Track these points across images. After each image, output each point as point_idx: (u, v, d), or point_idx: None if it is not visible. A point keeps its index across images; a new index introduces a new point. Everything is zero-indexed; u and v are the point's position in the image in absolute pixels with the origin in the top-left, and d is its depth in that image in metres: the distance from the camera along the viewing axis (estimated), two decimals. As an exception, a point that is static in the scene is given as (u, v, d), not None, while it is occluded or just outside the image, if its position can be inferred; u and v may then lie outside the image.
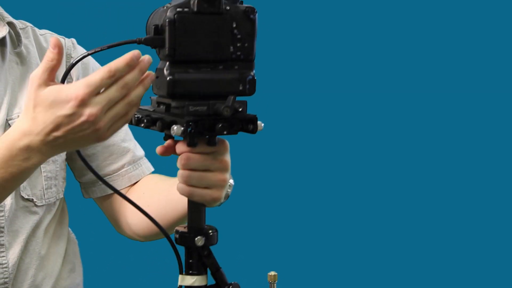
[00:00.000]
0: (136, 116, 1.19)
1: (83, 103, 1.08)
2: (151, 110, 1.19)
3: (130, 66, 1.09)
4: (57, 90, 1.09)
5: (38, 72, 1.11)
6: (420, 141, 2.91)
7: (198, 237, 1.19)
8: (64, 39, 1.65)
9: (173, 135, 1.13)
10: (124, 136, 1.67)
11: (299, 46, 2.84)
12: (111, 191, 1.64)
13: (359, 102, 2.88)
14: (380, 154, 2.89)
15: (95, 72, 1.10)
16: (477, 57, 2.89)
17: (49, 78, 1.11)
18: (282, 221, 2.85)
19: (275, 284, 1.32)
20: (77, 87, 1.08)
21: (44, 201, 1.58)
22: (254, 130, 1.17)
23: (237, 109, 1.15)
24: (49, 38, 1.62)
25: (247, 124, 1.17)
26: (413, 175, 2.90)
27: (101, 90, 1.09)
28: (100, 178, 1.31)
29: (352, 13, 2.85)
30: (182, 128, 1.12)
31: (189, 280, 1.19)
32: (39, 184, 1.57)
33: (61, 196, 1.63)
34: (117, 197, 1.65)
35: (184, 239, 1.20)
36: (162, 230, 1.25)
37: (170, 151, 1.22)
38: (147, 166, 1.69)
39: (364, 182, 2.88)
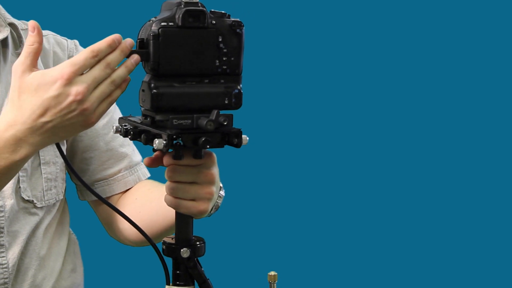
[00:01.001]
0: (124, 126, 1.19)
1: (69, 82, 1.10)
2: (139, 122, 1.19)
3: (112, 46, 1.12)
4: (41, 73, 1.11)
5: (20, 59, 1.13)
6: (420, 141, 2.91)
7: (184, 249, 1.20)
8: (66, 40, 1.66)
9: (155, 148, 1.14)
10: (123, 141, 1.67)
11: (287, 58, 2.85)
12: (106, 196, 1.65)
13: (348, 112, 2.89)
14: (379, 153, 2.89)
15: (79, 53, 1.12)
16: (477, 57, 2.89)
17: (32, 64, 1.13)
18: (282, 222, 2.85)
19: (275, 284, 1.32)
20: (61, 67, 1.10)
21: (44, 202, 1.58)
22: (238, 144, 1.17)
23: (221, 123, 1.14)
24: (51, 39, 1.63)
25: (232, 138, 1.17)
26: (413, 175, 2.90)
27: (85, 71, 1.11)
28: (84, 184, 1.33)
29: (340, 26, 2.86)
30: (164, 142, 1.12)
31: None
32: (39, 185, 1.57)
33: (61, 197, 1.63)
34: (111, 200, 1.65)
35: (170, 250, 1.21)
36: (149, 240, 1.27)
37: (158, 162, 1.23)
38: (143, 172, 1.70)
39: (363, 182, 2.88)
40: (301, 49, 2.86)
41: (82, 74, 1.11)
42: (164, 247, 1.22)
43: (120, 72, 1.13)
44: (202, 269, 1.23)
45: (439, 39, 2.89)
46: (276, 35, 2.80)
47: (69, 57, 1.63)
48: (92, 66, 1.12)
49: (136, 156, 1.70)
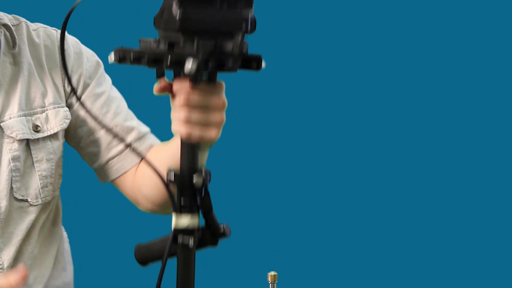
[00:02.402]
0: (132, 53, 1.15)
1: None
2: (147, 49, 1.15)
3: None
4: None
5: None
6: (419, 141, 2.90)
7: (196, 174, 1.17)
8: (56, 31, 1.64)
9: (186, 71, 1.11)
10: (126, 116, 1.65)
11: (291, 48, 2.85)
12: (123, 171, 1.64)
13: (350, 103, 2.88)
14: (379, 153, 2.89)
15: None
16: (477, 57, 2.89)
17: None
18: (282, 221, 2.85)
19: (275, 284, 1.32)
20: None
21: (40, 200, 1.57)
22: (258, 67, 1.15)
23: (244, 48, 1.14)
24: (41, 32, 1.61)
25: (252, 62, 1.16)
26: (412, 175, 2.90)
27: None
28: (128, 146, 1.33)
29: (344, 16, 2.86)
30: (196, 64, 1.10)
31: (183, 219, 1.17)
32: (34, 183, 1.56)
33: (57, 193, 1.62)
34: (129, 175, 1.64)
35: (180, 178, 1.18)
36: (158, 174, 1.20)
37: (167, 89, 1.20)
38: (154, 139, 1.67)
39: (363, 182, 2.88)
40: (300, 49, 2.85)
41: None
42: (171, 176, 1.18)
43: None
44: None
45: (439, 39, 2.89)
46: (274, 35, 2.80)
47: (58, 48, 1.61)
48: None
49: (143, 127, 1.67)
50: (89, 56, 1.64)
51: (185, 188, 1.18)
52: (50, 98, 1.58)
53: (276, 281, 1.32)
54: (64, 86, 1.61)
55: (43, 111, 1.57)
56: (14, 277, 1.18)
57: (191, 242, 1.16)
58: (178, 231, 1.16)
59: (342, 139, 2.88)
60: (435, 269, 2.92)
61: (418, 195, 2.90)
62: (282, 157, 2.87)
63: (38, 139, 1.56)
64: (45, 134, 1.57)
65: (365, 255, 2.88)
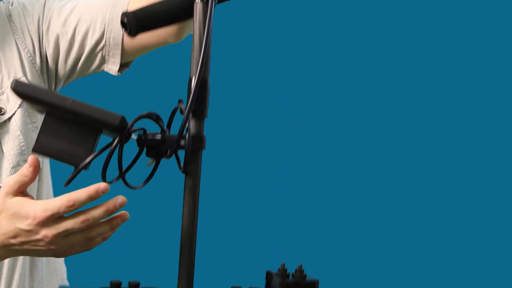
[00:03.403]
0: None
1: (40, 224, 1.11)
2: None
3: (92, 198, 1.10)
4: (21, 204, 1.13)
5: (10, 181, 1.15)
6: (419, 141, 2.90)
7: None
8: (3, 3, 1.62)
9: None
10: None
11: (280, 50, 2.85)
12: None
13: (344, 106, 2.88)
14: (378, 154, 2.89)
15: (57, 197, 1.12)
16: (477, 57, 2.88)
17: (18, 190, 1.15)
18: (282, 221, 2.85)
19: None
20: (36, 209, 1.11)
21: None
22: None
23: None
24: None
25: None
26: (411, 175, 2.90)
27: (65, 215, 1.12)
28: None
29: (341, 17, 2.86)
30: None
31: None
32: (32, 188, 1.56)
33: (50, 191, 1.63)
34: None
35: None
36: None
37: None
38: None
39: (363, 182, 2.88)
40: (297, 49, 2.85)
41: (58, 218, 1.12)
42: None
43: (101, 230, 1.13)
44: None
45: (439, 39, 2.89)
46: (270, 34, 2.80)
47: (7, 16, 1.59)
48: (71, 215, 1.12)
49: None
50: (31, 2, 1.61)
51: None
52: (5, 77, 1.56)
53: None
54: (30, 49, 1.58)
55: (2, 93, 1.56)
56: (26, 168, 1.14)
57: None
58: None
59: (341, 139, 2.88)
60: (435, 269, 2.91)
61: (418, 195, 2.90)
62: (281, 158, 2.87)
63: (4, 122, 1.55)
64: (9, 114, 1.56)
65: (364, 255, 2.88)
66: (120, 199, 1.11)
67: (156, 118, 1.11)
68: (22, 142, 1.55)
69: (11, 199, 1.14)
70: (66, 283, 1.71)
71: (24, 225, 1.12)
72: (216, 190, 2.45)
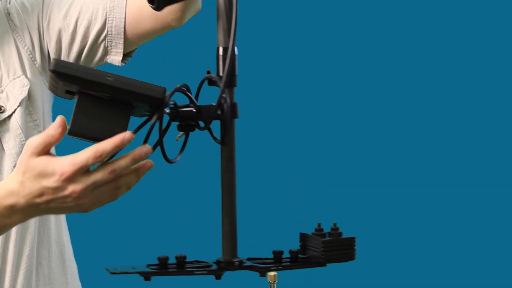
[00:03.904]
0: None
1: (67, 179, 1.09)
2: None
3: (119, 147, 1.08)
4: (46, 162, 1.10)
5: (35, 141, 1.12)
6: (419, 141, 2.89)
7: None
8: None
9: None
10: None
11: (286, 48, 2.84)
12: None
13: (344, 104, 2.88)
14: (379, 153, 2.88)
15: (82, 151, 1.10)
16: (477, 57, 2.88)
17: (43, 151, 1.12)
18: (282, 221, 2.84)
19: (275, 284, 1.32)
20: (63, 164, 1.09)
21: None
22: None
23: None
24: None
25: None
26: (411, 174, 2.89)
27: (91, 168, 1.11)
28: None
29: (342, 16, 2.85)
30: None
31: None
32: (5, 165, 1.56)
33: None
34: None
35: None
36: None
37: None
38: None
39: (363, 181, 2.87)
40: (300, 49, 2.85)
41: (87, 171, 1.10)
42: None
43: (129, 179, 1.11)
44: None
45: (439, 39, 2.88)
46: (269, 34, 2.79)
47: (5, 14, 1.59)
48: (98, 167, 1.11)
49: None
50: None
51: None
52: (4, 76, 1.56)
53: (276, 281, 1.32)
54: (30, 46, 1.59)
55: (1, 91, 1.56)
56: (54, 129, 1.11)
57: None
58: None
59: (342, 139, 2.87)
60: (434, 269, 2.91)
61: (418, 195, 2.89)
62: (281, 157, 2.86)
63: (4, 120, 1.55)
64: (9, 112, 1.56)
65: (364, 255, 2.87)
66: (145, 147, 1.10)
67: (186, 90, 1.11)
68: (23, 140, 1.55)
69: (34, 159, 1.11)
70: (77, 279, 1.71)
71: (51, 182, 1.09)
72: (246, 158, 2.45)
